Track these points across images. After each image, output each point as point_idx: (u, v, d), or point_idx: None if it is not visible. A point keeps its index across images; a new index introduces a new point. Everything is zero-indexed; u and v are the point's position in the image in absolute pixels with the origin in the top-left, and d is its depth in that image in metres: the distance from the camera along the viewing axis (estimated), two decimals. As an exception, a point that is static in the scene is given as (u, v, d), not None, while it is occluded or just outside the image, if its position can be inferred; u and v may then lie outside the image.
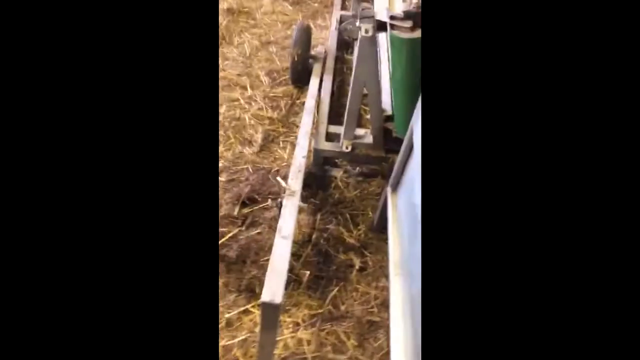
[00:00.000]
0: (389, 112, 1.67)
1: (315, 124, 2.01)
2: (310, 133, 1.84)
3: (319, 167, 2.00)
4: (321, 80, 2.32)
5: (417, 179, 1.17)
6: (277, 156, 2.18)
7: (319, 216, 1.84)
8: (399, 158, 1.59)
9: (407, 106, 1.54)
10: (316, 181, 1.98)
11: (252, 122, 2.34)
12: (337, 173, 2.02)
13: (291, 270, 1.61)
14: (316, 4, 3.34)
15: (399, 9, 1.29)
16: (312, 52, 2.62)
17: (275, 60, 2.76)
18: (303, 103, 2.22)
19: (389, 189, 1.67)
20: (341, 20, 2.82)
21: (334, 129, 2.01)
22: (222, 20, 3.04)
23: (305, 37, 2.39)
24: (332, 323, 1.51)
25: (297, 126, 2.11)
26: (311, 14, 3.24)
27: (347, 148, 1.79)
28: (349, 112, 1.71)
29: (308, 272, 1.62)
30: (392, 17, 1.28)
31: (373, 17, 1.32)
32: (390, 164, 2.01)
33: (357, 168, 2.03)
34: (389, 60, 1.39)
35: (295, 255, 1.67)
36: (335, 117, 2.23)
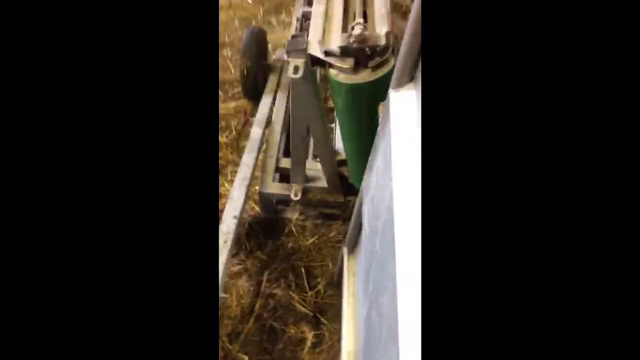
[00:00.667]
0: (343, 155, 1.33)
1: (263, 159, 1.68)
2: (252, 175, 1.51)
3: (269, 208, 1.69)
4: (275, 99, 1.97)
5: (373, 262, 0.88)
6: (221, 192, 1.85)
7: (265, 276, 1.54)
8: (352, 221, 1.27)
9: (355, 156, 1.22)
10: (264, 228, 1.66)
11: (197, 148, 2.00)
12: (292, 214, 1.70)
13: (225, 356, 1.32)
14: (279, -4, 2.92)
15: (335, 41, 0.95)
16: (270, 59, 2.26)
17: (229, 67, 2.39)
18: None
19: (345, 250, 1.37)
20: (303, 19, 2.43)
21: (288, 163, 1.68)
22: (169, 20, 2.64)
23: (256, 45, 2.01)
24: None
25: None
26: (274, 8, 2.82)
27: (296, 195, 1.46)
28: (294, 161, 1.38)
29: (247, 358, 1.33)
30: (327, 54, 0.94)
31: (304, 50, 0.98)
32: (351, 210, 1.70)
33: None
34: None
35: (233, 334, 1.38)
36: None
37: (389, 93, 0.79)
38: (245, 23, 2.70)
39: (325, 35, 0.95)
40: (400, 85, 0.78)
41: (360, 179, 1.39)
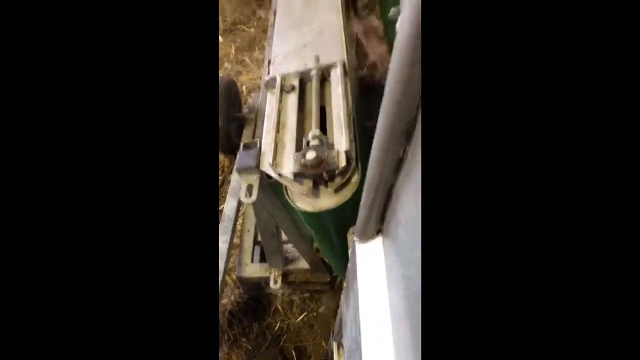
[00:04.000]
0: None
1: (240, 234, 1.56)
2: (227, 261, 1.40)
3: (251, 287, 1.57)
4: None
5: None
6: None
7: (252, 367, 1.43)
8: (338, 317, 1.16)
9: (333, 259, 1.10)
10: (248, 310, 1.55)
11: (173, 216, 1.89)
12: (274, 285, 1.59)
13: None
14: (252, 29, 2.78)
15: (287, 165, 0.82)
16: (244, 107, 2.14)
17: (203, 117, 2.27)
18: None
19: (334, 344, 1.25)
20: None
21: (266, 234, 1.56)
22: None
23: (225, 100, 1.89)
24: None
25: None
26: (247, 45, 2.69)
27: (275, 283, 1.35)
28: (268, 254, 1.26)
29: None
30: (280, 175, 0.82)
31: (257, 167, 0.86)
32: (340, 283, 1.58)
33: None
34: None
35: None
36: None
37: (355, 246, 0.68)
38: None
39: (278, 155, 0.83)
40: (366, 237, 0.66)
41: (342, 272, 1.27)
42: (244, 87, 2.50)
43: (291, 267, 1.39)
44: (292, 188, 0.79)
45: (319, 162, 0.75)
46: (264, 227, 1.10)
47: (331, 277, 1.45)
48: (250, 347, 1.46)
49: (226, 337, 1.46)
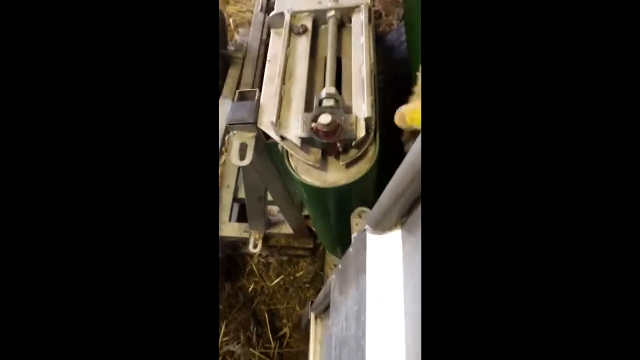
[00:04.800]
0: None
1: (219, 188, 1.42)
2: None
3: (226, 246, 1.46)
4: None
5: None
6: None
7: (222, 329, 1.36)
8: (322, 291, 1.08)
9: (326, 237, 1.00)
10: (221, 271, 1.45)
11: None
12: (254, 249, 1.49)
13: None
14: (245, -48, 2.43)
15: (294, 126, 0.66)
16: (230, 45, 1.89)
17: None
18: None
19: (312, 314, 1.19)
20: (271, -6, 2.02)
21: (247, 191, 1.43)
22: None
23: (210, 34, 1.65)
24: None
25: None
26: (238, -31, 2.36)
27: (255, 246, 1.24)
28: (251, 215, 1.13)
29: None
30: (283, 138, 0.67)
31: (254, 124, 0.70)
32: (322, 251, 1.50)
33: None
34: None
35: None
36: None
37: (366, 236, 0.56)
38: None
39: (282, 111, 0.68)
40: (382, 228, 0.55)
41: (333, 249, 1.18)
42: (230, 20, 2.23)
43: (274, 230, 1.28)
44: (297, 156, 0.65)
45: (333, 128, 0.61)
46: (251, 190, 0.97)
47: (314, 243, 1.37)
48: (221, 307, 1.39)
49: (196, 296, 1.38)
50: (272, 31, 0.83)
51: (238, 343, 1.33)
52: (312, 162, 0.65)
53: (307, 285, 1.50)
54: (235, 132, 0.71)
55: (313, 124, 0.62)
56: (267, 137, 0.72)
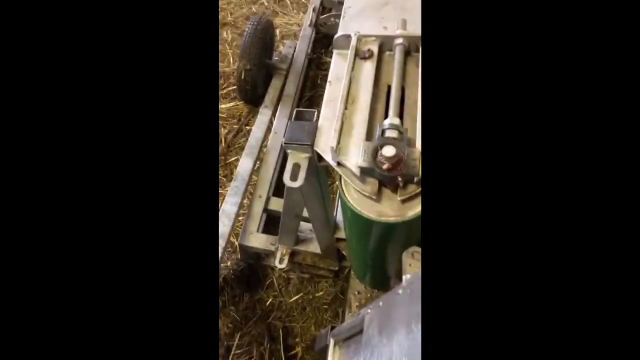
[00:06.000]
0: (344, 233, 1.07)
1: (251, 198, 1.41)
2: (232, 229, 1.26)
3: (251, 256, 1.45)
4: (276, 110, 1.66)
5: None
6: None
7: (236, 340, 1.33)
8: (350, 319, 1.05)
9: (360, 265, 0.97)
10: (242, 277, 1.44)
11: (177, 158, 1.71)
12: (280, 264, 1.46)
13: None
14: (299, -34, 2.47)
15: (354, 154, 0.64)
16: (276, 53, 1.90)
17: (227, 53, 2.03)
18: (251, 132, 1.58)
19: (331, 340, 1.15)
20: (322, 8, 2.03)
21: (278, 204, 1.41)
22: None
23: (260, 44, 1.66)
24: None
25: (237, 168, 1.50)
26: (290, -18, 2.40)
27: (281, 262, 1.22)
28: (283, 230, 1.12)
29: None
30: (339, 165, 0.65)
31: (311, 146, 0.68)
32: (345, 275, 1.47)
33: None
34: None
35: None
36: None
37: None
38: (254, 1, 2.29)
39: (343, 136, 0.66)
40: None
41: (362, 275, 1.15)
42: (277, 31, 2.25)
43: (301, 247, 1.26)
44: (354, 185, 0.63)
45: (396, 161, 0.59)
46: (290, 206, 0.95)
47: (339, 266, 1.34)
48: (238, 318, 1.36)
49: (214, 303, 1.36)
50: (334, 51, 0.82)
51: (250, 358, 1.30)
52: (368, 193, 0.62)
53: (325, 306, 1.46)
54: (290, 152, 0.70)
55: (375, 155, 0.60)
56: (320, 159, 0.70)
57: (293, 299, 1.46)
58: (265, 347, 1.36)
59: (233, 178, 1.41)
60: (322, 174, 0.76)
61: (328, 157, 0.65)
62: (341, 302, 1.48)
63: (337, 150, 0.64)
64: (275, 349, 1.38)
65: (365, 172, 0.62)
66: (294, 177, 0.69)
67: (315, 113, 0.74)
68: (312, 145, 0.69)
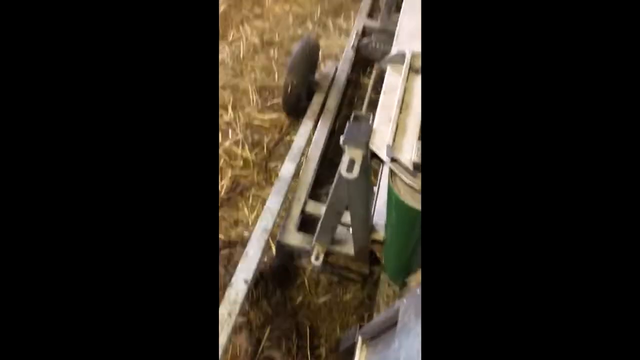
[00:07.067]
0: (381, 235, 1.15)
1: (290, 200, 1.52)
2: (274, 223, 1.36)
3: (285, 255, 1.54)
4: (316, 123, 1.78)
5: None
6: (238, 217, 1.70)
7: (266, 333, 1.41)
8: (382, 315, 1.11)
9: (395, 261, 1.04)
10: (275, 275, 1.52)
11: (222, 161, 1.85)
12: (308, 264, 1.55)
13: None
14: (343, -5, 2.66)
15: (408, 150, 0.74)
16: (318, 72, 2.05)
17: (273, 70, 2.19)
18: (292, 142, 1.70)
19: (359, 338, 1.21)
20: (363, 33, 2.19)
21: (314, 207, 1.51)
22: (222, 5, 2.42)
23: (306, 62, 1.81)
24: None
25: (277, 175, 1.62)
26: (333, 10, 2.58)
27: (317, 259, 1.30)
28: (322, 227, 1.21)
29: None
30: (393, 160, 0.75)
31: (366, 143, 0.79)
32: (374, 281, 1.53)
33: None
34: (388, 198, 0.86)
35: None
36: (326, 177, 1.72)
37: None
38: (299, 21, 2.48)
39: (397, 136, 0.76)
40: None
41: (396, 275, 1.22)
42: (320, 52, 2.41)
43: (335, 247, 1.34)
44: (405, 178, 0.72)
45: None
46: (335, 203, 1.05)
47: (370, 270, 1.41)
48: (269, 312, 1.44)
49: (250, 295, 1.44)
50: (389, 66, 0.93)
51: (279, 349, 1.37)
52: (418, 187, 0.72)
53: (352, 310, 1.52)
54: (347, 149, 0.80)
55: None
56: (372, 156, 0.80)
57: (321, 300, 1.53)
58: (293, 343, 1.42)
59: (275, 180, 1.53)
60: (369, 174, 0.85)
61: (382, 154, 0.75)
62: (367, 307, 1.54)
63: (392, 147, 0.74)
64: (302, 345, 1.44)
65: (417, 167, 0.71)
66: (349, 170, 0.79)
67: (371, 116, 0.84)
68: (367, 143, 0.79)
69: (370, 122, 0.82)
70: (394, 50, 0.96)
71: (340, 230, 1.37)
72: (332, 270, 1.48)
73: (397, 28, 1.05)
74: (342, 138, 0.81)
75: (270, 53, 2.27)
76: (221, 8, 2.41)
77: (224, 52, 2.24)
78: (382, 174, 1.40)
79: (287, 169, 1.51)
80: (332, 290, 1.55)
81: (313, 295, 1.53)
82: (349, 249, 1.32)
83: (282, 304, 1.49)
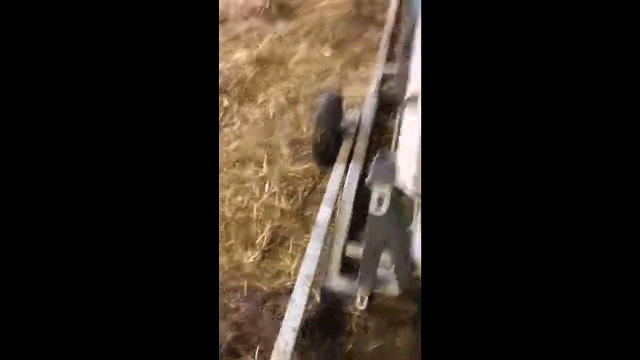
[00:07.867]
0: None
1: (329, 245, 1.54)
2: (316, 269, 1.38)
3: (331, 301, 1.53)
4: (347, 168, 1.84)
5: None
6: (281, 267, 1.73)
7: (318, 386, 1.37)
8: None
9: None
10: (321, 322, 1.51)
11: (261, 214, 1.93)
12: (354, 310, 1.52)
13: None
14: (358, 48, 2.84)
15: None
16: (344, 121, 2.15)
17: (301, 125, 2.33)
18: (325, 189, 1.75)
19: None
20: (383, 80, 2.30)
21: (355, 250, 1.52)
22: (249, 73, 2.66)
23: (332, 113, 1.92)
24: None
25: (314, 222, 1.65)
26: (353, 61, 2.75)
27: (361, 304, 1.29)
28: (363, 269, 1.21)
29: None
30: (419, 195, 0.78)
31: (391, 178, 0.83)
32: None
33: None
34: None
35: None
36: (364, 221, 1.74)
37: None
38: (321, 77, 2.65)
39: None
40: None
41: None
42: (344, 102, 2.54)
43: (379, 289, 1.33)
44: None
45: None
46: (370, 244, 1.07)
47: (418, 309, 1.36)
48: (320, 363, 1.41)
49: (298, 345, 1.43)
50: (407, 107, 0.99)
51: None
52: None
53: (405, 357, 1.46)
54: (374, 187, 0.84)
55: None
56: (400, 194, 0.83)
57: (372, 347, 1.48)
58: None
59: (313, 226, 1.57)
60: (400, 208, 0.88)
61: (411, 186, 0.78)
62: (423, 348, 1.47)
63: (418, 178, 0.77)
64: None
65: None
66: (378, 207, 0.82)
67: (395, 154, 0.88)
68: (392, 179, 0.82)
69: (395, 159, 0.87)
70: (408, 93, 1.02)
71: (385, 272, 1.36)
72: (377, 315, 1.45)
73: (410, 70, 1.12)
74: (367, 178, 0.86)
75: (297, 110, 2.42)
76: (250, 76, 2.64)
77: (255, 114, 2.42)
78: (417, 210, 1.41)
79: (323, 213, 1.55)
80: (382, 337, 1.51)
81: (361, 342, 1.49)
82: (392, 289, 1.31)
83: (331, 351, 1.46)
